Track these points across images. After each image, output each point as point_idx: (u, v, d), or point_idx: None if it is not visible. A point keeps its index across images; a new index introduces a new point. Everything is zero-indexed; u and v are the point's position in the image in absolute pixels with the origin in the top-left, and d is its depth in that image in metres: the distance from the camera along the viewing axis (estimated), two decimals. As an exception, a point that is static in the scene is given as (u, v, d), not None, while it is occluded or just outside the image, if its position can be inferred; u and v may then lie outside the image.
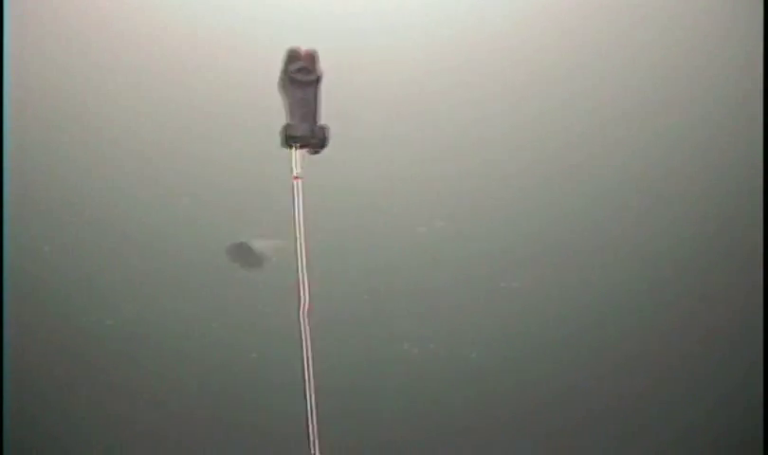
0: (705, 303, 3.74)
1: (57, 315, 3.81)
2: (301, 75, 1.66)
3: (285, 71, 1.66)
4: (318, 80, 1.68)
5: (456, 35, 3.82)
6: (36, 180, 3.82)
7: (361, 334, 3.67)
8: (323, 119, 1.65)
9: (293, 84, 1.65)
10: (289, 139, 1.64)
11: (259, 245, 3.69)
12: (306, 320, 1.64)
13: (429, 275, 3.76)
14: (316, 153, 1.67)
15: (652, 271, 3.78)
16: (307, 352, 1.65)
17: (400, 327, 3.74)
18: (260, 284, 3.82)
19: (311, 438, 1.63)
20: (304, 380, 1.65)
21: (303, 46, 1.67)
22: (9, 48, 3.64)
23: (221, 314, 3.79)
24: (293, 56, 1.66)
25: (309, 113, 1.67)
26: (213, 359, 3.79)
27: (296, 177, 1.63)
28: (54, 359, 3.77)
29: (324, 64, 1.60)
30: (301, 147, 1.65)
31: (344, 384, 3.19)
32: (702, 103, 3.78)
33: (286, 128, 1.64)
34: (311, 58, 1.67)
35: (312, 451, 1.62)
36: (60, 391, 3.77)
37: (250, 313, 3.81)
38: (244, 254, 3.72)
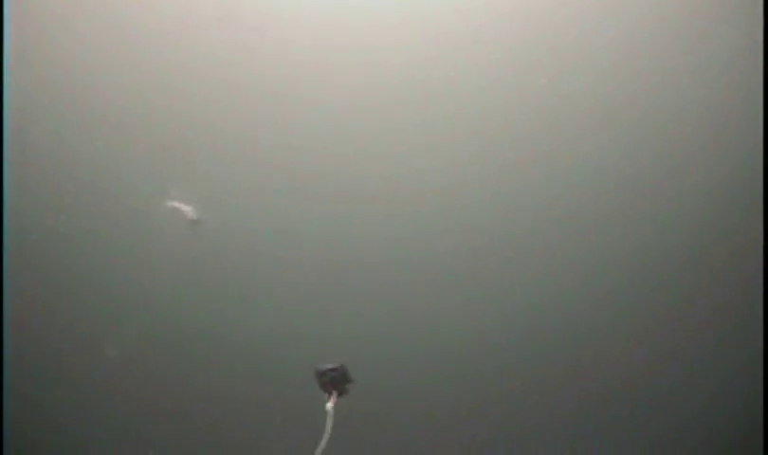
0: (705, 302, 3.75)
1: (57, 315, 3.81)
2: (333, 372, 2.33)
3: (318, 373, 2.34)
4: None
5: (454, 32, 3.82)
6: (36, 178, 3.82)
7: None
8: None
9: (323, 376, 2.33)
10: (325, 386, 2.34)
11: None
12: None
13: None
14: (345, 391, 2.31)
15: (652, 271, 3.79)
16: None
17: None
18: (265, 285, 3.83)
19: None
20: None
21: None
22: (10, 48, 3.65)
23: (225, 315, 3.79)
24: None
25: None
26: (216, 361, 3.79)
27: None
28: (54, 359, 3.77)
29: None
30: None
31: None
32: (702, 104, 3.78)
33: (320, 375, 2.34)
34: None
35: None
36: (60, 391, 3.77)
37: (254, 311, 3.81)
38: None
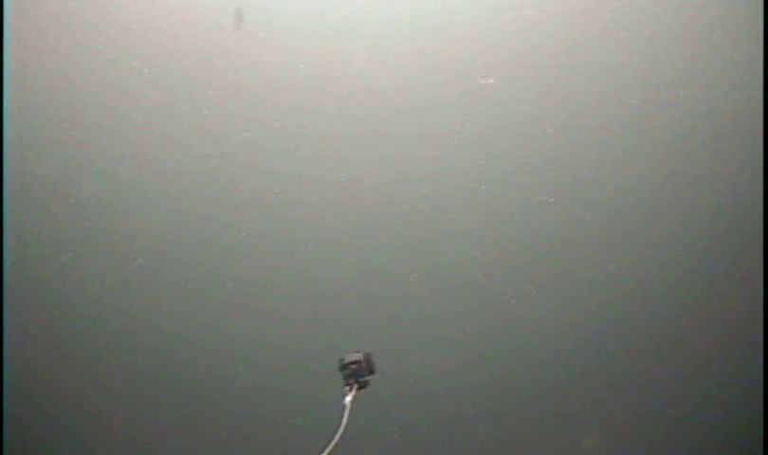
0: (705, 303, 3.75)
1: (58, 317, 3.81)
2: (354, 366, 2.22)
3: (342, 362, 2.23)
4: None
5: (456, 34, 3.83)
6: (37, 180, 3.81)
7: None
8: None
9: (345, 368, 2.21)
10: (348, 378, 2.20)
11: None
12: None
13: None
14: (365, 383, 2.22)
15: (652, 273, 3.79)
16: None
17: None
18: (266, 286, 3.83)
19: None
20: None
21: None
22: (9, 48, 3.64)
23: (225, 318, 3.79)
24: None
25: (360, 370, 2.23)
26: (217, 364, 3.79)
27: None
28: (55, 361, 3.77)
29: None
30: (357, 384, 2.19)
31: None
32: (701, 104, 3.78)
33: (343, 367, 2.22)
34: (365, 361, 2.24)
35: None
36: (60, 393, 3.77)
37: (253, 315, 3.81)
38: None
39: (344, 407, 2.12)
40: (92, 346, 3.77)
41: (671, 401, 3.70)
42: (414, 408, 3.71)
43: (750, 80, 3.65)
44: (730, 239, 3.73)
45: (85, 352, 3.77)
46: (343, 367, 2.24)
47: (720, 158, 3.77)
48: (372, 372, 2.23)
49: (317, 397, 2.74)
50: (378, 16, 3.79)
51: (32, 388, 3.69)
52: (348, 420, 2.05)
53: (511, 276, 3.80)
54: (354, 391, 2.16)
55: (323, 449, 1.90)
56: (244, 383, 3.74)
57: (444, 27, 3.79)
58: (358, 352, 2.25)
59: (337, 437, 1.94)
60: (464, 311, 3.78)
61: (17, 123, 3.72)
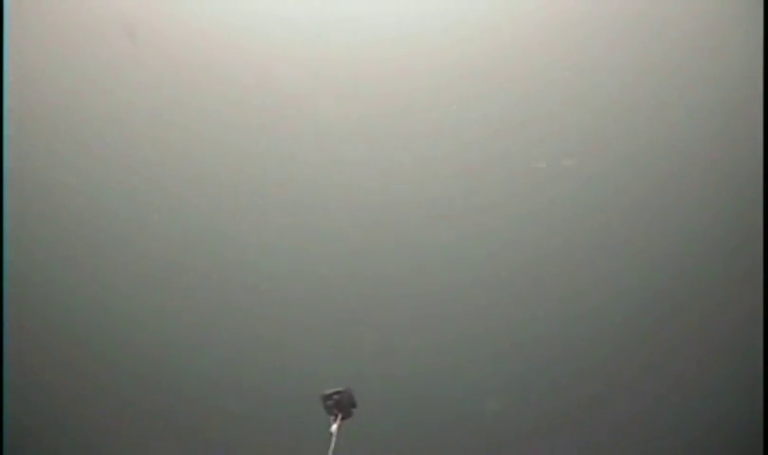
0: (704, 303, 3.75)
1: (57, 318, 3.81)
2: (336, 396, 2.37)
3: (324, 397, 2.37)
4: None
5: (456, 34, 3.83)
6: (37, 181, 3.81)
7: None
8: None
9: (328, 399, 2.37)
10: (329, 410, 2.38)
11: None
12: None
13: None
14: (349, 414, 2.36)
15: (651, 273, 3.80)
16: None
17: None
18: (264, 289, 3.83)
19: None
20: None
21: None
22: (9, 48, 3.64)
23: (224, 319, 3.79)
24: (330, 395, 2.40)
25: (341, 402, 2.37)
26: (217, 364, 3.80)
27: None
28: (55, 362, 3.77)
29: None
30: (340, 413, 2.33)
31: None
32: (701, 104, 3.79)
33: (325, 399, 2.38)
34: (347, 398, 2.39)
35: None
36: (60, 394, 3.77)
37: (253, 317, 3.81)
38: None
39: (331, 434, 2.23)
40: (92, 347, 3.77)
41: (671, 401, 3.70)
42: (415, 410, 3.72)
43: (750, 80, 3.65)
44: (730, 239, 3.74)
45: (85, 353, 3.77)
46: (326, 398, 2.35)
47: (720, 158, 3.77)
48: (353, 405, 2.33)
49: (315, 400, 2.74)
50: (381, 18, 3.79)
51: (32, 388, 3.69)
52: (335, 446, 2.16)
53: (512, 277, 3.80)
54: (338, 421, 2.28)
55: None
56: (243, 386, 3.75)
57: (449, 27, 3.79)
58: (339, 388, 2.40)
59: None
60: (464, 313, 3.79)
61: (17, 125, 3.72)
